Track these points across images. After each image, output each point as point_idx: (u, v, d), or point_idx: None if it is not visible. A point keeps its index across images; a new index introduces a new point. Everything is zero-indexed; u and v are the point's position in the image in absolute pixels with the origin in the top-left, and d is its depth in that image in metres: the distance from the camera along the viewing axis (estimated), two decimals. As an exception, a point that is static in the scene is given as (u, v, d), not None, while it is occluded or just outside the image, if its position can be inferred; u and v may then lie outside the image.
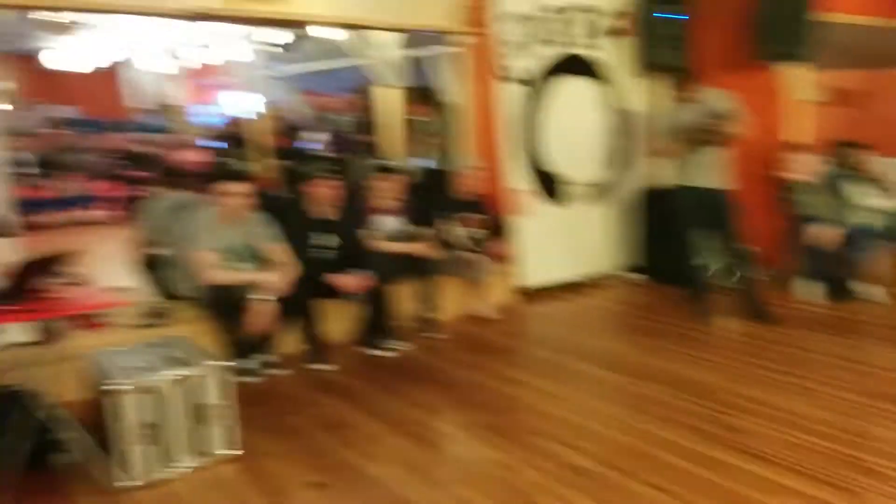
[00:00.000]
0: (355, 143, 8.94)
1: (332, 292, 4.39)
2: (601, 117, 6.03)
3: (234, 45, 11.61)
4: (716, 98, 4.73)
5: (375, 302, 4.39)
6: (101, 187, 10.88)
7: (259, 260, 4.11)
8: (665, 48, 5.73)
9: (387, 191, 4.68)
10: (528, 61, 5.51)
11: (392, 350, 4.44)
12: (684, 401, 3.54)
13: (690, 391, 3.66)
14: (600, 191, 6.08)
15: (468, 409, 3.53)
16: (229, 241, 4.04)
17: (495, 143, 5.52)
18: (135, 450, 2.80)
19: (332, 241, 4.39)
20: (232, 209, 3.99)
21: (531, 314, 5.35)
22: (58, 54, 13.43)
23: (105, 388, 2.82)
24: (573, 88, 5.80)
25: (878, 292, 5.02)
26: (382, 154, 8.37)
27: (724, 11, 5.81)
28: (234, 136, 12.70)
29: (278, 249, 4.12)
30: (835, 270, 5.09)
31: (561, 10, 5.60)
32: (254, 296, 3.86)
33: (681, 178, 4.85)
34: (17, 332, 3.12)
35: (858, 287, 5.07)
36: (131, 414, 2.78)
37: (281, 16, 4.58)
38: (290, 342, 4.38)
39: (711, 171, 4.76)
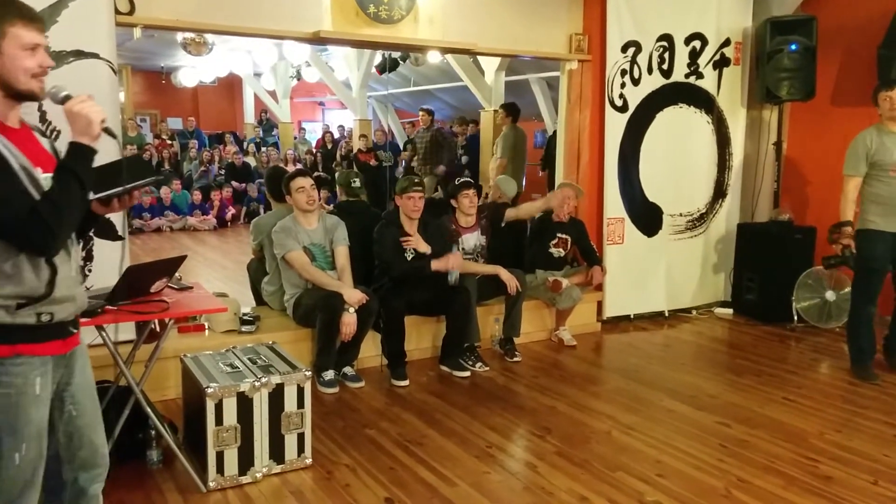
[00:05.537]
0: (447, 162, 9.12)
1: (418, 307, 4.46)
2: (702, 148, 5.88)
3: (338, 64, 12.08)
4: None
5: (458, 321, 4.41)
6: (200, 196, 11.37)
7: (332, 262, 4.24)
8: (784, 78, 5.53)
9: (469, 207, 4.72)
10: (633, 89, 5.44)
11: (471, 370, 4.44)
12: (775, 445, 3.38)
13: (782, 436, 3.49)
14: (693, 223, 5.92)
15: (544, 436, 3.48)
16: (310, 240, 4.20)
17: (595, 170, 5.48)
18: (221, 452, 2.91)
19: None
20: (304, 204, 4.14)
21: (614, 343, 5.23)
22: (180, 71, 14.34)
23: (197, 390, 2.96)
24: (676, 118, 5.68)
25: None
26: (475, 173, 8.48)
27: (849, 41, 5.58)
28: (328, 150, 13.16)
29: (344, 252, 4.23)
30: None
31: (667, 38, 5.50)
32: (343, 305, 3.95)
33: (875, 222, 4.19)
34: (121, 331, 3.29)
35: None
36: (220, 417, 2.88)
37: (392, 40, 4.68)
38: (372, 356, 4.46)
39: None
